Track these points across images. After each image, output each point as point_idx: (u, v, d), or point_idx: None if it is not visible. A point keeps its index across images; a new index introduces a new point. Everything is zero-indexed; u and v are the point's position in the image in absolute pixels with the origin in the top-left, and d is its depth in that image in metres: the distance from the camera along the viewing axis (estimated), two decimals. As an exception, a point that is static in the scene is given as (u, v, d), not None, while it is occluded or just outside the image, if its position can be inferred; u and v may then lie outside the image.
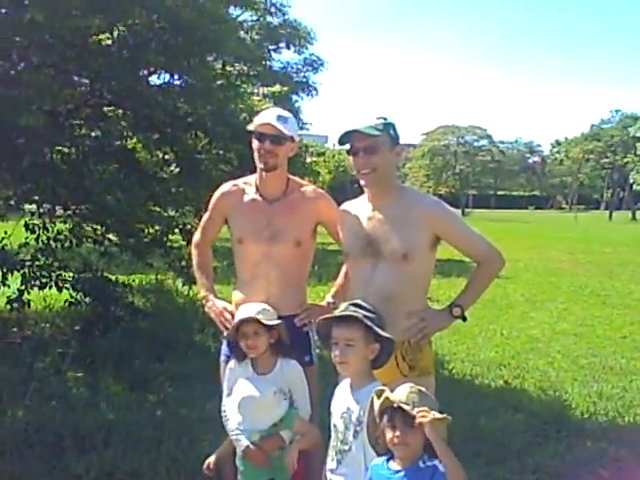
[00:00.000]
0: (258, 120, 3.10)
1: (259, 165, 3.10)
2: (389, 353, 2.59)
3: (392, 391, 2.29)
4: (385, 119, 2.85)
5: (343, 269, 3.19)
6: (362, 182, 2.90)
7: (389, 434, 2.22)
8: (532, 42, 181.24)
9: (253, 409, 2.76)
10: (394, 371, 2.77)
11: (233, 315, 3.08)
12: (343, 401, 2.58)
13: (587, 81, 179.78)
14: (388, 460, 2.28)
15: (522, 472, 4.17)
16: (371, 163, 2.84)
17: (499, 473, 4.12)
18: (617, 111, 67.92)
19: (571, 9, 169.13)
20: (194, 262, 3.43)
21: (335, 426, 2.58)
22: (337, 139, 2.90)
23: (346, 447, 2.50)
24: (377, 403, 2.27)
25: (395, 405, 2.20)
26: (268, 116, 3.07)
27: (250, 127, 3.12)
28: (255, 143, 3.08)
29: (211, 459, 2.95)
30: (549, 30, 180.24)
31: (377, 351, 2.55)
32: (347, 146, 2.94)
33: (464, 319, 2.91)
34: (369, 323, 2.50)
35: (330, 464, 2.59)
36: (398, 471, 2.23)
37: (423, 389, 2.29)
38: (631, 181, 46.70)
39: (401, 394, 2.23)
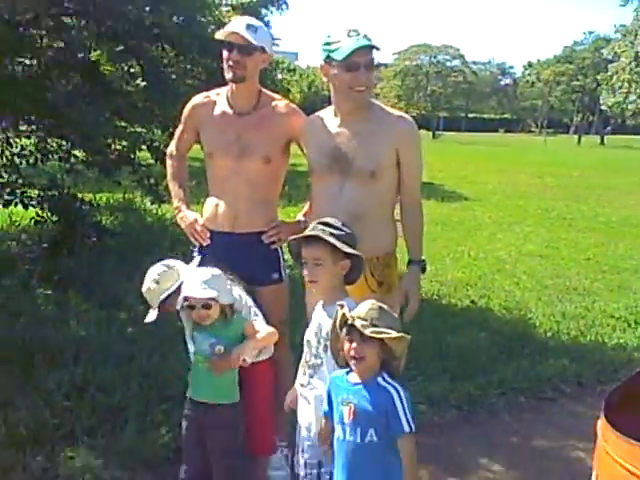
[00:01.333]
0: (227, 29, 2.99)
1: (227, 76, 3.01)
2: (360, 268, 2.61)
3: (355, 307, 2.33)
4: (357, 32, 2.78)
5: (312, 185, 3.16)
6: (351, 98, 2.82)
7: (346, 346, 2.27)
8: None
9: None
10: (364, 287, 2.80)
11: (204, 227, 3.09)
12: (316, 317, 2.61)
13: (561, 2, 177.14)
14: (348, 373, 2.33)
15: (486, 387, 4.32)
16: (369, 79, 2.80)
17: (464, 388, 4.25)
18: (590, 33, 67.42)
19: None
20: (168, 172, 3.37)
21: (308, 342, 2.61)
22: (342, 53, 2.75)
23: (318, 361, 2.54)
24: (339, 316, 2.30)
25: (350, 321, 2.23)
26: (237, 25, 2.97)
27: (218, 35, 3.01)
28: (224, 53, 2.98)
29: None
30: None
31: (347, 267, 2.56)
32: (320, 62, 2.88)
33: (424, 270, 3.01)
34: (334, 241, 2.49)
35: (302, 379, 2.63)
36: (357, 384, 2.28)
37: (385, 306, 2.31)
38: (601, 102, 46.72)
39: (361, 310, 2.26)
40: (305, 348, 2.64)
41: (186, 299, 2.68)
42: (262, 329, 2.78)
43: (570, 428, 3.88)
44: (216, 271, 2.72)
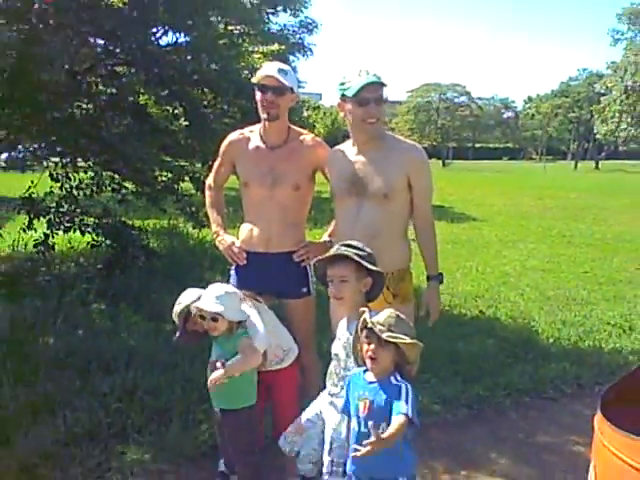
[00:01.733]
0: (261, 73, 3.04)
1: (262, 115, 3.06)
2: (381, 286, 2.61)
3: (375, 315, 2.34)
4: (367, 72, 2.84)
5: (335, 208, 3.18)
6: (364, 131, 2.87)
7: (365, 347, 2.28)
8: (512, 4, 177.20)
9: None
10: (380, 299, 2.79)
11: (240, 249, 3.11)
12: (342, 332, 2.61)
13: (560, 41, 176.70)
14: (365, 372, 2.33)
15: (494, 388, 4.27)
16: (379, 112, 2.84)
17: (474, 389, 4.22)
18: (584, 69, 67.06)
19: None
20: (207, 202, 3.41)
21: (337, 355, 2.60)
22: (353, 90, 2.81)
23: (348, 373, 2.52)
24: (360, 321, 2.31)
25: (369, 325, 2.25)
26: (270, 69, 3.03)
27: (254, 80, 3.07)
28: (258, 95, 3.04)
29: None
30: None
31: (369, 284, 2.56)
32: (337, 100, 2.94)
33: (441, 281, 3.06)
34: (358, 259, 2.50)
35: (333, 389, 2.61)
36: (372, 382, 2.29)
37: (402, 315, 2.32)
38: (595, 130, 46.25)
39: (381, 316, 2.27)
40: (334, 361, 2.62)
41: (199, 309, 2.69)
42: (249, 349, 2.68)
43: (570, 425, 3.81)
44: (230, 289, 2.73)
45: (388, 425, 2.19)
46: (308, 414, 2.71)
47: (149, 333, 4.75)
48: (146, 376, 3.95)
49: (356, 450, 2.16)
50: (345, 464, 2.45)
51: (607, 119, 41.04)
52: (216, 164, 3.41)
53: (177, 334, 2.84)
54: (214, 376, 2.66)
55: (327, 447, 2.56)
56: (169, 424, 3.47)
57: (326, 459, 2.56)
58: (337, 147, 3.09)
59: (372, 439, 2.08)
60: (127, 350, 4.34)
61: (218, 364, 2.66)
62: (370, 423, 2.19)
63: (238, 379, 2.69)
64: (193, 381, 3.88)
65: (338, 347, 2.60)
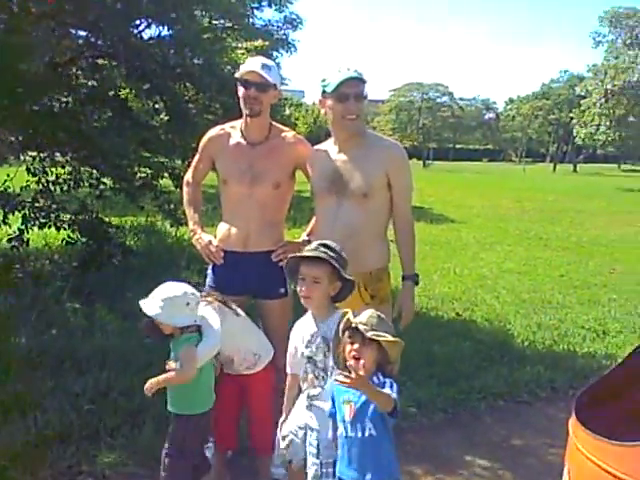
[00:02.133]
0: (244, 68, 3.02)
1: (245, 111, 3.03)
2: (349, 291, 2.59)
3: (355, 316, 2.34)
4: (348, 68, 2.84)
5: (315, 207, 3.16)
6: (344, 127, 2.86)
7: (348, 348, 2.28)
8: (495, 4, 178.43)
9: None
10: (357, 300, 2.81)
11: (218, 248, 3.06)
12: (308, 330, 2.59)
13: (541, 42, 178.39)
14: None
15: (469, 392, 4.29)
16: (358, 108, 2.83)
17: (449, 392, 4.23)
18: (565, 71, 67.63)
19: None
20: (185, 199, 3.34)
21: (311, 357, 2.56)
22: (332, 86, 2.81)
23: (328, 373, 2.50)
24: (343, 322, 2.31)
25: (354, 325, 2.25)
26: (254, 64, 2.99)
27: (237, 75, 3.03)
28: (241, 90, 3.01)
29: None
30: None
31: (338, 289, 2.55)
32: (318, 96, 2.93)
33: (417, 283, 3.01)
34: (336, 265, 2.49)
35: (312, 391, 2.57)
36: None
37: (382, 316, 2.32)
38: (574, 134, 46.74)
39: (363, 317, 2.28)
40: (308, 364, 2.58)
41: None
42: (186, 362, 2.60)
43: (545, 429, 3.84)
44: (177, 291, 2.61)
45: (375, 426, 2.21)
46: (289, 426, 2.66)
47: (124, 333, 4.69)
48: (120, 377, 3.90)
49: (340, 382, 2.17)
50: (334, 464, 2.44)
51: (586, 122, 41.47)
52: (195, 160, 3.36)
53: (143, 323, 2.76)
54: (149, 383, 2.64)
55: (314, 451, 2.53)
56: (142, 426, 3.42)
57: (314, 463, 2.52)
58: (319, 145, 3.08)
59: (353, 375, 2.10)
60: (101, 350, 4.29)
61: (167, 366, 2.63)
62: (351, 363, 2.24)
63: (191, 385, 2.63)
64: (168, 382, 3.83)
65: (312, 349, 2.57)
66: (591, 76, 43.35)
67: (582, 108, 42.67)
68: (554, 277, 8.24)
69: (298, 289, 2.56)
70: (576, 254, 10.14)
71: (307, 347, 2.57)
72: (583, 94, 44.53)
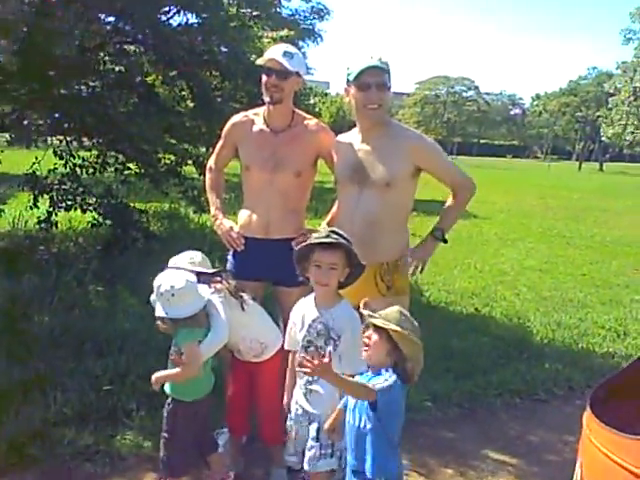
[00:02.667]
0: (266, 55, 3.00)
1: (266, 98, 3.03)
2: (357, 277, 2.56)
3: (371, 308, 2.34)
4: (387, 64, 2.81)
5: (336, 201, 3.13)
6: (366, 116, 2.84)
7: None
8: (524, 1, 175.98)
9: None
10: (373, 290, 2.80)
11: (239, 234, 3.07)
12: (310, 314, 2.57)
13: (570, 38, 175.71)
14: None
15: (486, 387, 4.26)
16: (380, 98, 2.80)
17: (466, 387, 4.21)
18: (594, 68, 66.60)
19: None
20: (207, 184, 3.35)
21: (311, 342, 2.53)
22: (354, 74, 2.79)
23: (326, 360, 2.49)
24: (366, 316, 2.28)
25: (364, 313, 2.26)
26: (275, 52, 2.98)
27: (259, 62, 3.02)
28: (263, 77, 3.00)
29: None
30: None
31: (346, 274, 2.54)
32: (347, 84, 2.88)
33: (445, 241, 2.92)
34: (352, 249, 2.48)
35: (309, 377, 2.53)
36: (364, 372, 2.29)
37: (408, 315, 2.28)
38: (601, 133, 46.08)
39: (385, 310, 2.26)
40: (303, 350, 2.54)
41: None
42: (188, 358, 2.58)
43: (561, 427, 3.79)
44: (179, 283, 2.54)
45: (367, 416, 2.19)
46: (291, 417, 2.66)
47: (144, 317, 4.70)
48: (139, 360, 3.93)
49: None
50: (333, 445, 2.46)
51: (614, 121, 40.83)
52: (218, 146, 3.36)
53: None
54: (155, 377, 2.65)
55: (313, 434, 2.52)
56: (159, 409, 3.43)
57: (312, 446, 2.51)
58: (343, 134, 3.06)
59: (316, 362, 2.09)
60: (122, 333, 4.33)
61: (171, 358, 2.63)
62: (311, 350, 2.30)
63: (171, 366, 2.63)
64: (186, 367, 3.86)
65: (312, 333, 2.54)
66: (620, 73, 42.66)
67: (610, 106, 42.02)
68: (576, 276, 8.14)
69: (312, 276, 2.52)
70: (599, 253, 10.00)
71: (308, 331, 2.55)
72: (612, 92, 43.84)
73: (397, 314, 2.24)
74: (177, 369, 2.61)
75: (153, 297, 2.62)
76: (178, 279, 2.56)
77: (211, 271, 2.80)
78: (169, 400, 2.73)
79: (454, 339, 5.01)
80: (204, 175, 6.46)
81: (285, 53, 2.96)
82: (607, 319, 6.04)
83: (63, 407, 3.36)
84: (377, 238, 2.78)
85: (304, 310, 2.61)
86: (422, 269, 2.89)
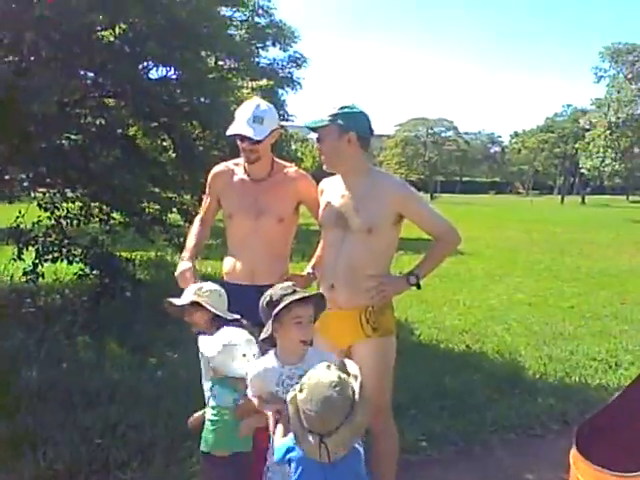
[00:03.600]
0: (235, 125, 2.99)
1: (244, 160, 3.09)
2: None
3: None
4: (348, 108, 2.84)
5: (320, 244, 3.16)
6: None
7: None
8: (498, 40, 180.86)
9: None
10: (359, 332, 2.83)
11: (191, 277, 3.00)
12: (285, 373, 2.41)
13: (544, 77, 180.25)
14: None
15: (481, 424, 4.23)
16: (320, 149, 2.92)
17: (461, 425, 4.18)
18: (569, 105, 68.01)
19: (537, 9, 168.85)
20: (190, 231, 3.34)
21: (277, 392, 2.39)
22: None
23: None
24: None
25: None
26: (243, 119, 2.96)
27: (228, 132, 3.01)
28: (238, 141, 3.04)
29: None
30: (513, 29, 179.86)
31: None
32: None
33: (418, 287, 2.92)
34: (322, 303, 2.45)
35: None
36: None
37: (346, 364, 2.18)
38: (580, 166, 46.94)
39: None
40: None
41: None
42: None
43: (557, 462, 3.72)
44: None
45: None
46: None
47: (133, 367, 4.71)
48: (129, 410, 3.89)
49: None
50: None
51: (592, 154, 41.65)
52: (204, 200, 3.39)
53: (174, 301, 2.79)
54: (242, 429, 2.45)
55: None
56: (152, 460, 3.41)
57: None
58: (329, 178, 3.10)
59: None
60: (111, 383, 4.29)
61: (237, 412, 2.45)
62: None
63: (232, 418, 2.44)
64: (177, 416, 3.80)
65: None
66: (594, 109, 43.72)
67: (587, 140, 42.91)
68: (565, 308, 8.19)
69: (294, 335, 2.38)
70: (586, 285, 10.10)
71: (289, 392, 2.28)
72: (587, 127, 44.83)
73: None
74: (251, 419, 2.43)
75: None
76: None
77: (230, 317, 2.78)
78: (228, 455, 2.47)
79: (447, 377, 4.99)
80: (190, 222, 6.50)
81: (255, 118, 2.96)
82: (598, 351, 6.07)
83: (54, 462, 3.30)
84: (360, 282, 2.81)
85: (274, 373, 2.42)
86: (379, 300, 2.85)
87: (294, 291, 2.40)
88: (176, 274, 3.10)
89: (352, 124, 2.83)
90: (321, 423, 1.95)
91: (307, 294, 2.42)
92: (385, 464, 2.95)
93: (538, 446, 4.09)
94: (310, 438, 1.96)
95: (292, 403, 2.03)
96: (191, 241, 3.27)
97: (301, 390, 2.01)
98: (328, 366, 2.07)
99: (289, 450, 2.09)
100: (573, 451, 2.14)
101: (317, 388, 1.98)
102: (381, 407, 2.92)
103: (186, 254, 3.18)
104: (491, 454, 3.94)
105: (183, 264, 3.11)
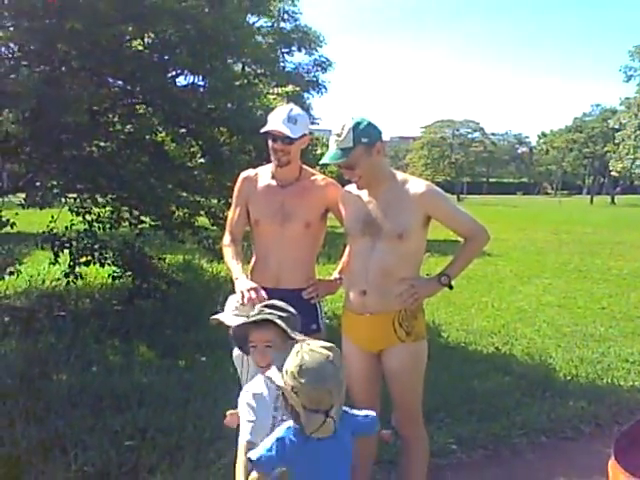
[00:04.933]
0: (270, 123, 2.99)
1: (274, 162, 3.06)
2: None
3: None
4: (358, 123, 2.74)
5: (347, 248, 3.12)
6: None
7: None
8: (524, 41, 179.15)
9: None
10: (392, 337, 2.79)
11: (259, 295, 2.79)
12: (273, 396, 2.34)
13: (571, 77, 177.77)
14: None
15: (510, 428, 4.16)
16: (355, 174, 2.81)
17: (490, 429, 4.11)
18: (597, 105, 66.88)
19: (564, 9, 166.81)
20: (226, 257, 3.14)
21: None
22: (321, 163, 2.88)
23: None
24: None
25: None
26: (278, 118, 2.97)
27: (263, 129, 3.01)
28: (269, 142, 3.02)
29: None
30: (539, 30, 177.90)
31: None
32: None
33: (450, 287, 2.89)
34: (283, 325, 2.32)
35: None
36: None
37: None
38: (610, 168, 46.23)
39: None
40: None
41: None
42: None
43: (589, 466, 3.66)
44: None
45: None
46: None
47: (161, 370, 4.72)
48: (158, 414, 3.90)
49: None
50: None
51: (622, 156, 40.99)
52: (230, 212, 3.31)
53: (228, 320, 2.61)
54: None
55: None
56: (181, 463, 3.41)
57: None
58: (350, 186, 3.04)
59: None
60: (140, 387, 4.31)
61: None
62: None
63: None
64: (204, 419, 3.83)
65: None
66: (624, 109, 43.02)
67: (617, 141, 42.25)
68: (595, 310, 8.03)
69: (252, 358, 2.40)
70: (617, 286, 9.90)
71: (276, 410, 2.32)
72: (617, 127, 44.12)
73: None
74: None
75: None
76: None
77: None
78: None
79: (475, 380, 4.93)
80: (218, 225, 6.53)
81: (289, 118, 2.96)
82: (630, 352, 5.94)
83: (84, 466, 3.31)
84: (393, 287, 2.77)
85: (265, 397, 2.37)
86: (411, 303, 2.81)
87: (259, 312, 2.35)
88: (241, 289, 2.85)
89: (373, 135, 2.78)
90: (329, 397, 1.96)
91: (253, 319, 2.35)
92: (416, 468, 2.93)
93: (569, 450, 4.00)
94: (316, 416, 1.96)
95: (290, 390, 1.98)
96: (235, 264, 3.08)
97: (298, 375, 1.96)
98: (306, 346, 2.02)
99: (279, 443, 2.03)
100: (611, 462, 2.07)
101: (321, 368, 1.96)
102: (412, 411, 2.89)
103: (240, 274, 2.98)
104: (521, 458, 3.88)
105: (248, 282, 2.89)
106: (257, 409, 2.33)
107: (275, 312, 2.37)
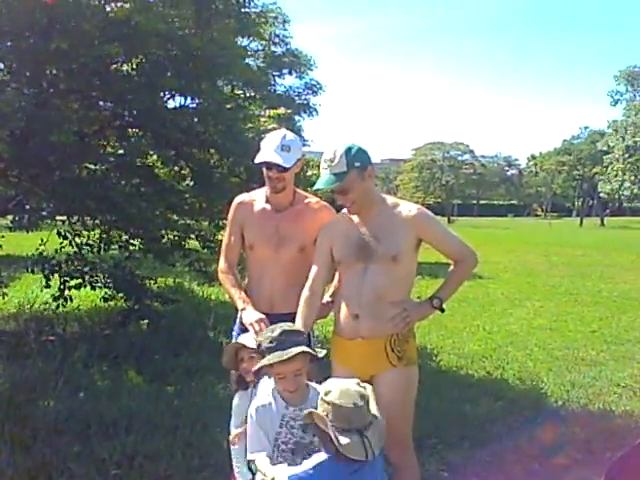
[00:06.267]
0: (263, 153, 3.00)
1: (269, 189, 3.08)
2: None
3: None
4: (349, 148, 2.77)
5: (336, 277, 3.09)
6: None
7: None
8: (513, 65, 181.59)
9: None
10: (384, 362, 2.79)
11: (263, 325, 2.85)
12: (281, 416, 2.41)
13: (560, 99, 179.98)
14: None
15: (503, 454, 4.12)
16: (348, 199, 2.83)
17: (482, 455, 4.07)
18: (586, 127, 67.63)
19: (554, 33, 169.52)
20: (225, 285, 3.18)
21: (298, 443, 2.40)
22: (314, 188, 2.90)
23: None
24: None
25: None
26: (271, 149, 2.98)
27: (257, 160, 3.01)
28: (264, 170, 3.03)
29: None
30: (529, 52, 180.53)
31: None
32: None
33: (442, 310, 2.90)
34: (312, 352, 2.40)
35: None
36: None
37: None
38: (599, 190, 46.71)
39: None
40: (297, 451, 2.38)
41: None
42: None
43: (582, 493, 3.67)
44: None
45: None
46: None
47: (150, 396, 4.67)
48: (146, 441, 3.85)
49: None
50: None
51: (610, 179, 41.43)
52: (225, 238, 3.31)
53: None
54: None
55: None
56: (168, 492, 3.36)
57: None
58: (335, 217, 3.06)
59: None
60: (128, 413, 4.25)
61: None
62: None
63: None
64: (193, 446, 3.79)
65: (299, 433, 2.41)
66: (612, 132, 43.58)
67: (605, 163, 42.73)
68: (586, 333, 8.04)
69: (277, 386, 2.42)
70: (607, 309, 9.93)
71: (293, 434, 2.39)
72: (605, 149, 44.64)
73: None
74: None
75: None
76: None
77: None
78: None
79: (467, 405, 4.91)
80: (209, 248, 6.51)
81: (282, 147, 2.97)
82: (622, 377, 5.94)
83: (69, 495, 3.27)
84: (385, 311, 2.78)
85: (269, 413, 2.43)
86: (403, 327, 2.81)
87: (282, 341, 2.37)
88: (250, 321, 2.90)
89: (364, 159, 2.81)
90: (360, 414, 2.09)
91: (290, 354, 2.34)
92: None
93: (562, 476, 3.96)
94: (350, 436, 2.06)
95: (323, 410, 2.11)
96: (238, 294, 3.09)
97: (328, 394, 2.13)
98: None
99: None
100: None
101: (346, 389, 2.15)
102: (403, 438, 2.87)
103: (245, 304, 3.02)
104: (514, 485, 3.84)
105: (254, 313, 2.94)
106: (262, 422, 2.39)
107: (292, 338, 2.39)
